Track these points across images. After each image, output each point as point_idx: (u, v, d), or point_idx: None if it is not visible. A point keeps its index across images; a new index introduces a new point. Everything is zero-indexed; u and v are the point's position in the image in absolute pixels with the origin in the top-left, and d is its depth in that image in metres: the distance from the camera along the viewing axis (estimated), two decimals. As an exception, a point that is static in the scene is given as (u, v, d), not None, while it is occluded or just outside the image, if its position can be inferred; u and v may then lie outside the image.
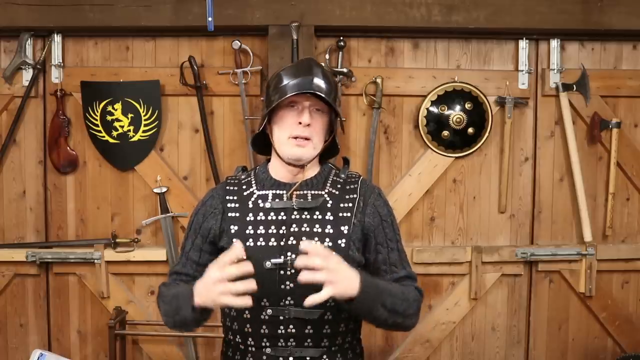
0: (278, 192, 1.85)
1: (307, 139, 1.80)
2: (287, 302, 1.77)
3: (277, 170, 1.89)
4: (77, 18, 3.23)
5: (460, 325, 3.53)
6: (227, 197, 1.88)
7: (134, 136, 3.39)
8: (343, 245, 1.78)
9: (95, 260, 3.38)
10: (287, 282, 1.76)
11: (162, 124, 3.41)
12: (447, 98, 3.40)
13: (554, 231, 3.53)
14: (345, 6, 3.23)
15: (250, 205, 1.84)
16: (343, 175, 1.91)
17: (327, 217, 1.80)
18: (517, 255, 3.43)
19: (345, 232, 1.80)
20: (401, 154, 3.48)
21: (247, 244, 1.78)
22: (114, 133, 3.38)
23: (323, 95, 1.78)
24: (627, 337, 3.54)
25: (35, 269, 3.41)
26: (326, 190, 1.86)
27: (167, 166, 3.44)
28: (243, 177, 1.94)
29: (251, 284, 1.59)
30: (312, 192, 1.85)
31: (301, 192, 1.84)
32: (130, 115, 3.37)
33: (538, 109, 3.49)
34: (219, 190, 1.92)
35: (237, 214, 1.84)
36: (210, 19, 3.03)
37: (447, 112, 3.40)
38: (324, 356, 1.82)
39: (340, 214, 1.82)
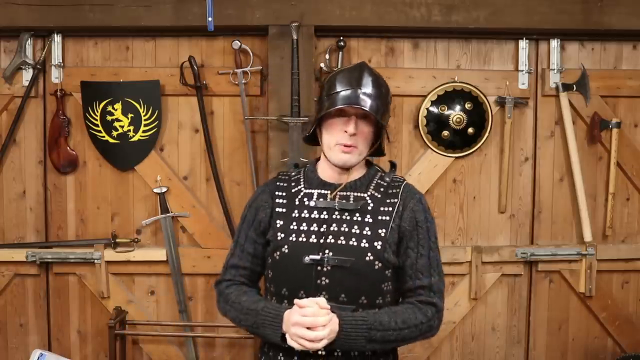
0: (323, 191, 1.94)
1: (353, 146, 1.88)
2: (322, 295, 1.84)
3: (325, 170, 1.97)
4: (77, 18, 3.23)
5: (460, 325, 3.53)
6: (276, 193, 1.98)
7: (134, 136, 3.39)
8: (379, 247, 1.86)
9: (95, 260, 3.38)
10: (323, 278, 1.85)
11: (162, 124, 3.41)
12: (447, 98, 3.40)
13: (554, 231, 3.53)
14: (345, 6, 3.23)
15: (297, 203, 1.94)
16: (387, 179, 1.98)
17: (366, 219, 1.88)
18: (517, 255, 3.43)
19: (383, 234, 1.87)
20: (401, 154, 3.48)
21: (290, 239, 1.90)
22: (114, 133, 3.38)
23: (366, 109, 1.85)
24: (627, 337, 3.54)
25: (35, 269, 3.41)
26: (369, 193, 1.93)
27: (167, 166, 3.44)
28: (293, 174, 2.03)
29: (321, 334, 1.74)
30: (355, 194, 1.92)
31: (345, 194, 1.92)
32: (130, 115, 3.37)
33: (538, 109, 3.49)
34: (270, 186, 2.03)
35: (284, 210, 1.94)
36: (210, 19, 3.03)
37: (447, 112, 3.40)
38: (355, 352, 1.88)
39: (380, 217, 1.89)
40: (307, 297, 1.83)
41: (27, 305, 3.49)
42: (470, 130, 3.41)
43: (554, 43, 3.43)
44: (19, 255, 3.37)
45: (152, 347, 3.49)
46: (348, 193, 1.92)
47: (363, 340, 1.78)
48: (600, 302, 3.52)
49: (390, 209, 1.90)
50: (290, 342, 1.76)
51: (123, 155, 3.41)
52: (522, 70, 3.43)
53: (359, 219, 1.88)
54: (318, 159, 2.03)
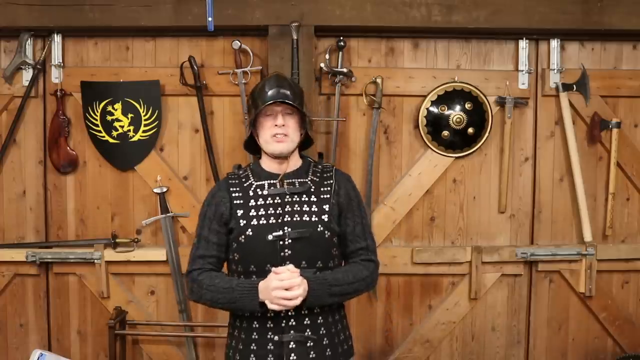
0: (272, 181, 2.33)
1: (285, 135, 2.29)
2: (285, 265, 2.18)
3: (268, 164, 2.37)
4: (77, 18, 3.23)
5: (460, 325, 3.53)
6: (231, 189, 2.34)
7: (134, 136, 3.39)
8: (326, 219, 2.28)
9: (95, 260, 3.38)
10: (286, 250, 2.23)
11: (162, 124, 3.41)
12: (447, 98, 3.40)
13: (554, 231, 3.53)
14: (345, 6, 3.23)
15: (251, 194, 2.32)
16: (320, 166, 2.42)
17: (312, 199, 2.30)
18: (517, 255, 3.43)
19: (327, 209, 2.30)
20: (401, 154, 3.48)
21: (252, 223, 2.25)
22: (114, 133, 3.38)
23: (289, 102, 2.29)
24: (627, 337, 3.55)
25: (35, 269, 3.41)
26: (309, 178, 2.36)
27: (167, 166, 3.44)
28: (241, 172, 2.41)
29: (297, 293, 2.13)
30: (299, 180, 2.34)
31: (290, 181, 2.33)
32: (130, 115, 3.37)
33: (538, 109, 3.49)
34: (223, 184, 2.39)
35: (242, 201, 2.30)
36: (210, 19, 3.03)
37: (447, 112, 3.40)
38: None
39: (322, 196, 2.32)
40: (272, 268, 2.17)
41: (27, 305, 3.50)
42: (470, 130, 3.41)
43: (554, 43, 3.43)
44: (19, 255, 3.38)
45: (152, 347, 3.49)
46: (293, 180, 2.33)
47: (326, 295, 2.19)
48: (600, 302, 3.52)
49: (329, 188, 2.34)
50: (271, 305, 2.12)
51: (123, 155, 3.42)
52: (522, 70, 3.43)
53: (307, 199, 2.29)
54: (259, 158, 2.41)
